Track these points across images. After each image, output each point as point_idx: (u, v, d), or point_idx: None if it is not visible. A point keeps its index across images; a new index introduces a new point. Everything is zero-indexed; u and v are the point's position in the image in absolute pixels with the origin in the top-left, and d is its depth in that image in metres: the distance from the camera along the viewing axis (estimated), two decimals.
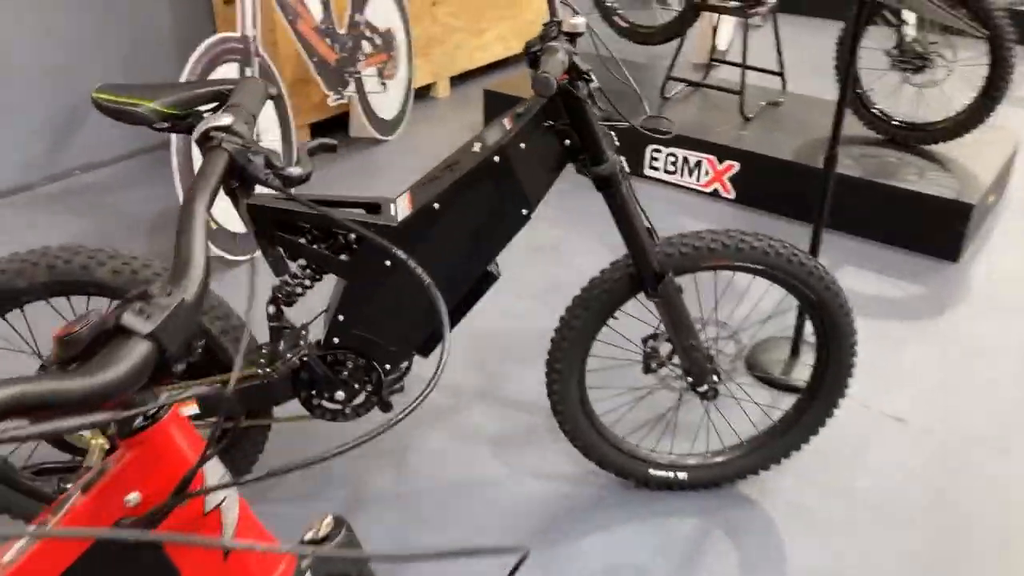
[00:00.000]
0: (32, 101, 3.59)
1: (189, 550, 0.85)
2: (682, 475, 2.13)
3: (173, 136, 2.78)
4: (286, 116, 3.33)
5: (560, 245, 3.33)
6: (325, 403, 1.86)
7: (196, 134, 1.00)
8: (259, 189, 1.79)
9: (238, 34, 3.02)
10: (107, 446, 1.78)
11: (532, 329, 2.78)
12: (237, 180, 1.15)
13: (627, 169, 1.77)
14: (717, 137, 3.71)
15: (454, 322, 1.86)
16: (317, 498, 2.12)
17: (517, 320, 2.82)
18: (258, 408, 1.85)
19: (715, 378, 1.96)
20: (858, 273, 3.16)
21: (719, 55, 4.94)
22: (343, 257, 1.72)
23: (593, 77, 1.45)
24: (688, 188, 3.80)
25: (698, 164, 3.73)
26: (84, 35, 3.67)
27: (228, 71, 3.01)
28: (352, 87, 3.89)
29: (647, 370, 2.04)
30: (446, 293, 1.76)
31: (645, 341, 2.03)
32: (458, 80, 5.08)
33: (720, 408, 2.40)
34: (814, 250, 2.45)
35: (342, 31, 3.76)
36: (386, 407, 1.96)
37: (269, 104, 3.21)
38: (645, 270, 1.80)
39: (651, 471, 2.13)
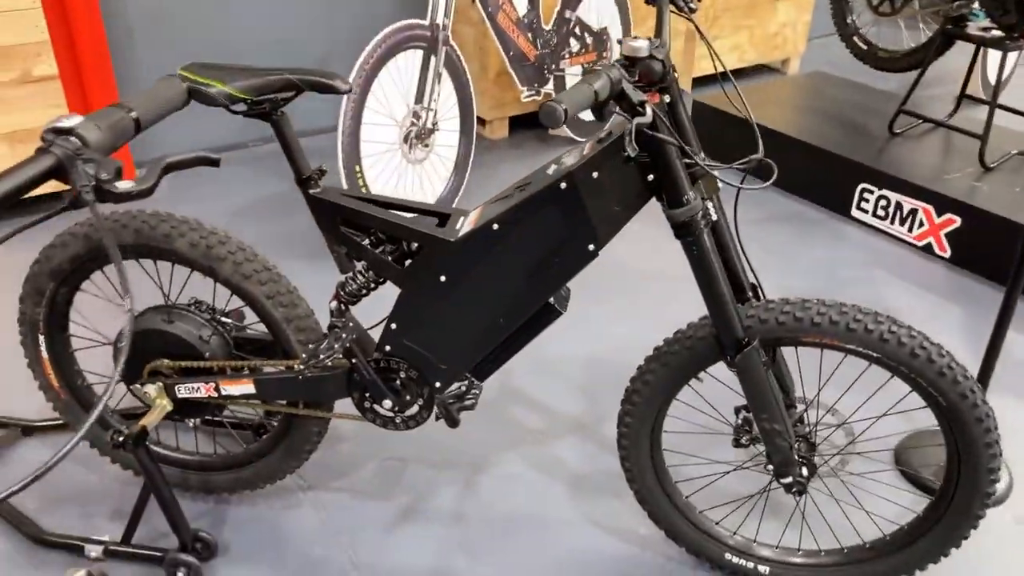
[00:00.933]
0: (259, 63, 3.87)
1: None
2: (763, 568, 1.85)
3: (344, 98, 2.86)
4: (467, 106, 3.32)
5: None
6: (377, 408, 1.81)
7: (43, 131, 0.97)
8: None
9: (426, 21, 3.04)
10: (169, 407, 1.85)
11: None
12: None
13: (713, 216, 1.54)
14: (941, 185, 3.22)
15: (505, 357, 1.73)
16: (377, 498, 2.09)
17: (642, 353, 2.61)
18: (314, 400, 1.84)
19: (803, 472, 1.67)
20: None
21: (983, 90, 4.30)
22: (401, 264, 1.65)
23: (648, 109, 1.24)
24: (897, 238, 3.34)
25: (912, 213, 3.26)
26: (315, 11, 3.89)
27: (411, 58, 3.04)
28: (551, 84, 3.81)
29: (737, 444, 1.79)
30: (497, 320, 1.63)
31: (738, 411, 1.78)
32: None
33: (823, 502, 2.06)
34: (994, 347, 2.03)
35: (547, 27, 3.69)
36: (453, 423, 1.87)
37: (449, 87, 3.21)
38: (724, 335, 1.56)
39: (728, 555, 1.87)
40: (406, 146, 3.13)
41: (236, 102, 1.54)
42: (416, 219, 1.64)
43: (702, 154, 1.55)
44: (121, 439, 1.73)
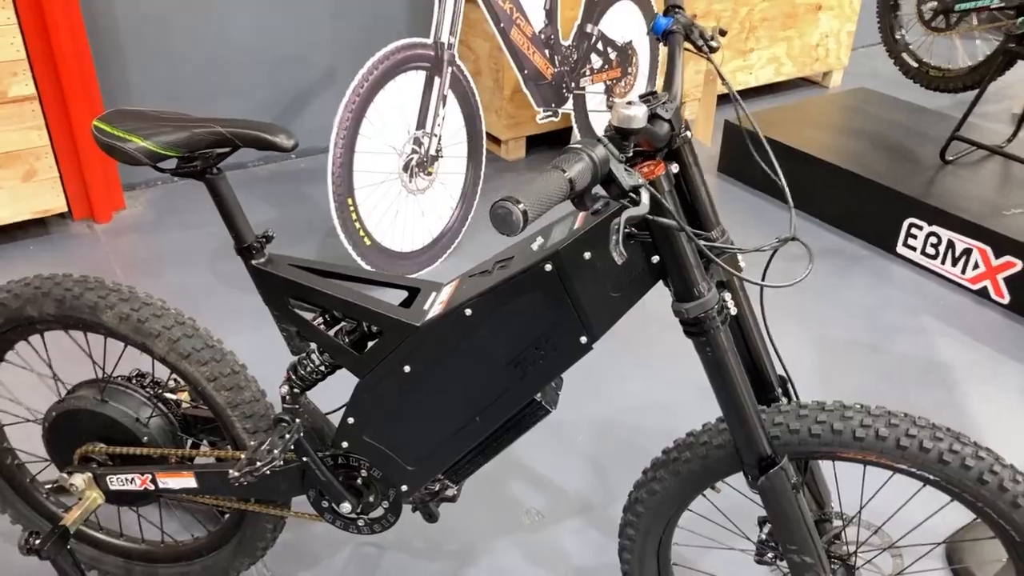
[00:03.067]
0: (260, 87, 3.63)
1: None
2: None
3: (334, 124, 2.60)
4: (476, 130, 3.05)
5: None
6: (336, 509, 1.55)
7: None
8: (274, 247, 1.51)
9: (430, 40, 2.77)
10: (100, 500, 1.61)
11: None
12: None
13: (732, 309, 1.25)
14: (999, 223, 2.89)
15: (484, 459, 1.45)
16: None
17: (660, 416, 2.32)
18: (263, 497, 1.58)
19: None
20: None
21: None
22: (361, 348, 1.39)
23: (644, 196, 0.96)
24: (948, 279, 3.01)
25: (967, 253, 2.93)
26: (318, 26, 3.65)
27: (412, 80, 2.78)
28: (571, 103, 3.53)
29: (760, 560, 1.50)
30: (473, 419, 1.36)
31: (762, 524, 1.49)
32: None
33: None
34: None
35: (566, 42, 3.41)
36: (430, 519, 1.61)
37: (455, 110, 2.94)
38: (745, 452, 1.28)
39: None
40: (406, 175, 2.87)
41: (161, 159, 1.29)
42: (378, 300, 1.37)
43: (720, 228, 1.26)
44: (36, 543, 1.49)
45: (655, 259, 1.20)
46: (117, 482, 1.58)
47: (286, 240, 3.17)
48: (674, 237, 1.13)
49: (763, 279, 1.16)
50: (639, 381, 2.49)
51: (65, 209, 3.16)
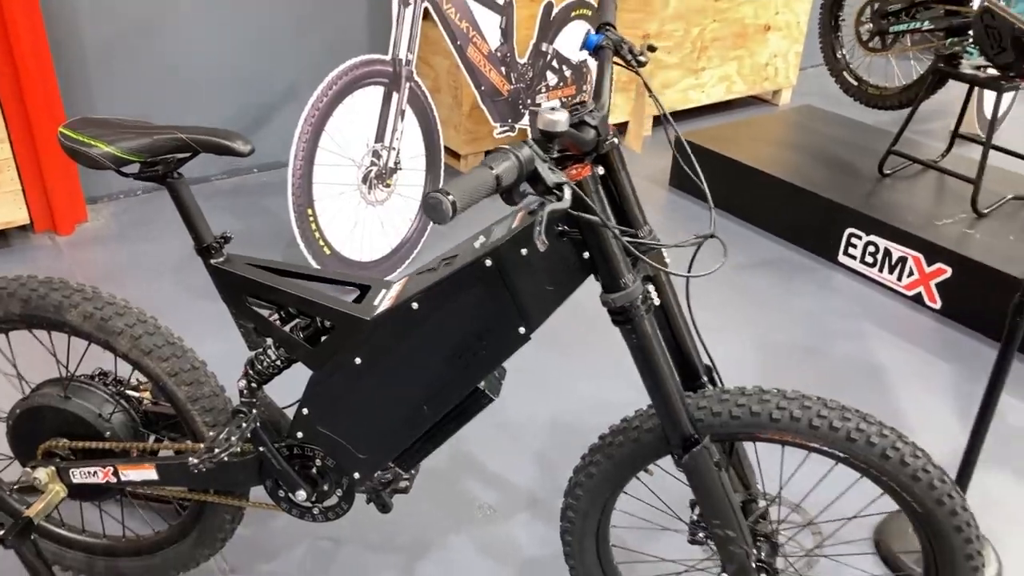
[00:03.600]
0: (223, 101, 3.70)
1: None
2: None
3: (295, 137, 2.69)
4: (434, 144, 3.15)
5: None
6: (292, 498, 1.62)
7: None
8: (232, 247, 1.60)
9: (388, 56, 2.88)
10: (63, 493, 1.67)
11: None
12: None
13: (656, 300, 1.36)
14: (932, 232, 3.05)
15: (432, 447, 1.54)
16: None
17: (610, 415, 2.42)
18: (223, 488, 1.66)
19: None
20: None
21: (979, 127, 4.14)
22: (314, 342, 1.48)
23: (567, 192, 1.07)
24: (885, 287, 3.16)
25: (902, 261, 3.09)
26: (280, 41, 3.73)
27: (370, 95, 2.88)
28: (527, 119, 3.64)
29: (693, 541, 1.60)
30: (420, 408, 1.45)
31: (693, 505, 1.59)
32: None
33: None
34: (985, 416, 1.85)
35: (522, 60, 3.53)
36: (384, 509, 1.69)
37: (413, 124, 3.04)
38: (671, 432, 1.38)
39: None
40: (365, 187, 2.96)
41: (124, 164, 1.37)
42: (331, 296, 1.46)
43: (647, 228, 1.37)
44: (1, 534, 1.55)
45: (586, 255, 1.30)
46: (80, 475, 1.64)
47: (248, 250, 3.24)
48: (601, 233, 1.23)
49: (689, 271, 1.27)
50: (587, 383, 2.59)
51: (27, 221, 3.21)
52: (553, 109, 1.08)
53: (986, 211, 3.17)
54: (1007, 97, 3.94)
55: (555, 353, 2.71)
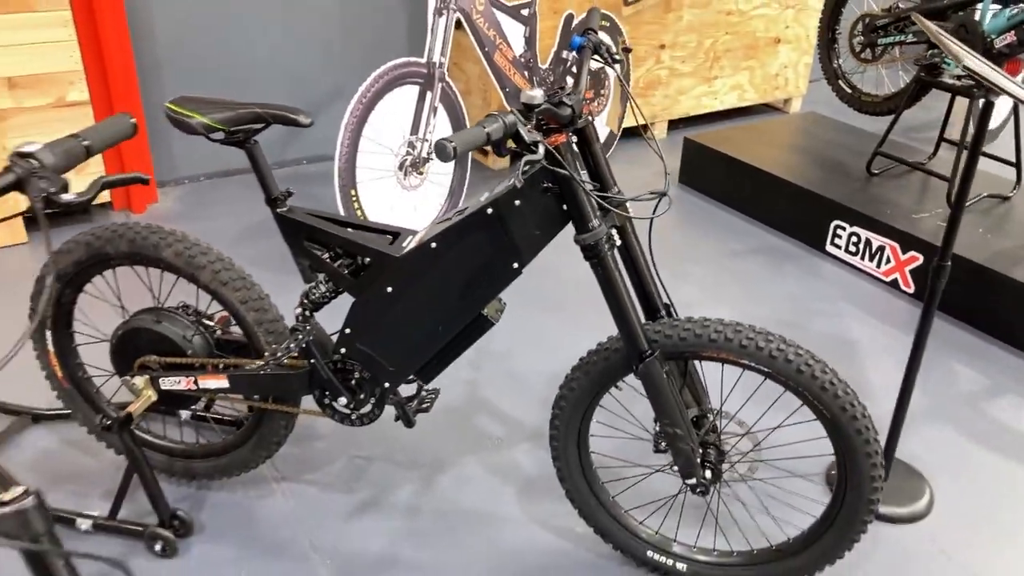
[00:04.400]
0: (276, 99, 4.16)
1: None
2: (681, 566, 2.03)
3: (341, 127, 3.11)
4: None
5: (706, 290, 3.24)
6: (334, 405, 2.03)
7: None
8: (294, 200, 2.01)
9: (423, 59, 3.29)
10: (153, 397, 2.09)
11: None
12: None
13: (617, 241, 1.74)
14: (908, 224, 3.38)
15: (446, 362, 1.94)
16: (341, 490, 2.30)
17: None
18: (280, 395, 2.06)
19: (707, 474, 1.86)
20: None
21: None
22: (356, 276, 1.88)
23: (540, 148, 1.46)
24: (867, 274, 3.50)
25: (880, 249, 3.42)
26: (328, 45, 4.18)
27: (407, 93, 3.30)
28: None
29: (656, 449, 1.97)
30: (436, 328, 1.85)
31: (656, 421, 1.97)
32: (681, 124, 5.05)
33: (737, 507, 2.23)
34: (912, 367, 2.20)
35: (544, 65, 3.93)
36: (408, 423, 2.08)
37: (444, 120, 3.46)
38: (629, 346, 1.76)
39: (649, 553, 2.05)
40: (401, 173, 3.38)
41: (213, 131, 1.79)
42: (370, 237, 1.87)
43: (616, 188, 1.76)
44: (108, 423, 1.97)
45: (565, 207, 1.69)
46: (167, 383, 2.06)
47: None
48: (573, 186, 1.62)
49: (652, 218, 1.66)
50: (587, 341, 2.96)
51: (108, 200, 3.68)
52: (532, 90, 1.48)
53: None
54: (1006, 107, 4.26)
55: (560, 317, 3.09)
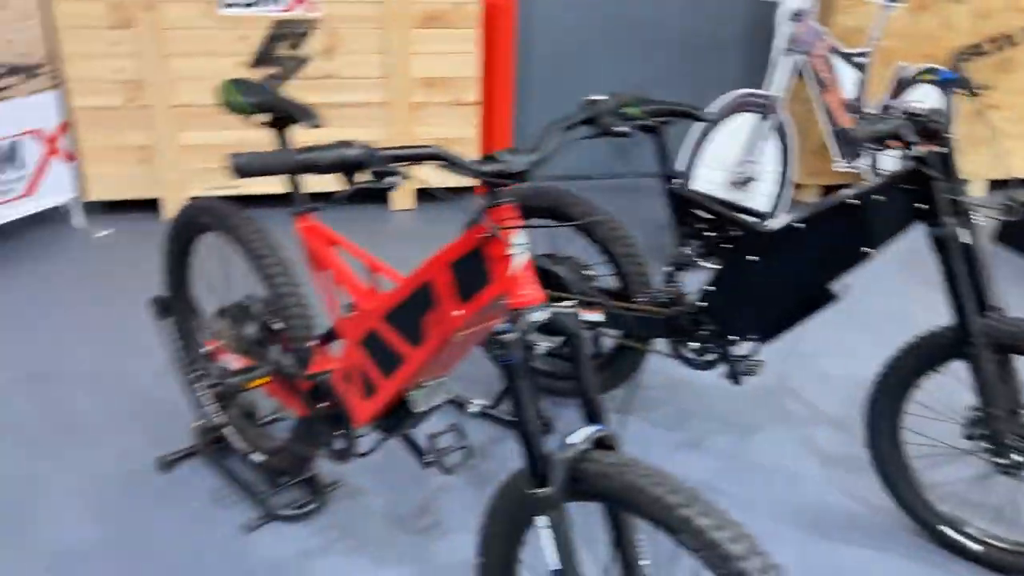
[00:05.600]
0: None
1: None
2: (976, 547, 2.25)
3: (692, 141, 3.63)
4: (787, 165, 3.95)
5: None
6: (684, 350, 2.50)
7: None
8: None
9: (764, 92, 3.73)
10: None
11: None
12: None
13: (968, 241, 2.04)
14: None
15: (785, 327, 2.33)
16: (665, 428, 2.75)
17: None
18: (641, 334, 2.56)
19: (1017, 457, 2.09)
20: None
21: None
22: (724, 244, 2.35)
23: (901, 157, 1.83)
24: None
25: None
26: (676, 69, 4.74)
27: (747, 118, 3.75)
28: (867, 161, 4.32)
29: (968, 437, 2.22)
30: (784, 296, 2.25)
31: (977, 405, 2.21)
32: (1003, 185, 5.06)
33: None
34: None
35: (870, 110, 4.22)
36: (735, 381, 2.51)
37: (775, 147, 3.87)
38: (962, 331, 2.05)
39: (942, 527, 2.30)
40: (729, 188, 3.83)
41: (634, 120, 2.34)
42: (742, 218, 2.33)
43: (967, 194, 2.08)
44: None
45: (917, 205, 2.03)
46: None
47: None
48: (936, 189, 1.97)
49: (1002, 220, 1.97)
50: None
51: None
52: (914, 103, 1.87)
53: None
54: None
55: (865, 335, 3.37)
